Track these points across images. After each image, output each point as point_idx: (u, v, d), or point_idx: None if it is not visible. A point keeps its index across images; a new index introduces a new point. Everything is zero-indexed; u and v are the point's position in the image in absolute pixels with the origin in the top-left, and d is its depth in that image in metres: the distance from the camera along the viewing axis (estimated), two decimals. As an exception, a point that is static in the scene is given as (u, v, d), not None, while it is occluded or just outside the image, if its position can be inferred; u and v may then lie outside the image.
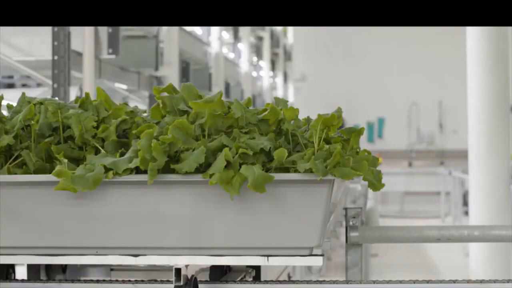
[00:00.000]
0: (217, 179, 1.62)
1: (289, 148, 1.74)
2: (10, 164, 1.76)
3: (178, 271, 1.71)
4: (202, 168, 1.66)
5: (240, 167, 1.64)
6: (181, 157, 1.66)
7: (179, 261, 1.76)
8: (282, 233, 1.71)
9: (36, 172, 1.77)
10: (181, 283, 1.72)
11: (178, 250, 1.75)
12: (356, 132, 1.78)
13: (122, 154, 1.72)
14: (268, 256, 1.74)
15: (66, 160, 1.71)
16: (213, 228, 1.72)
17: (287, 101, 1.86)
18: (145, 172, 1.66)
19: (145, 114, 1.88)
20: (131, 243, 1.75)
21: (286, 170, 1.70)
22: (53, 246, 1.78)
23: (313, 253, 1.73)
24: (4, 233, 1.76)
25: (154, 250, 1.76)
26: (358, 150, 1.82)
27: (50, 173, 1.71)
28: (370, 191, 6.27)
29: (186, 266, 1.75)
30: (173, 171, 1.67)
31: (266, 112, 1.76)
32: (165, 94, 1.80)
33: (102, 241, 1.75)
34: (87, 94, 1.86)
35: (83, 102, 1.84)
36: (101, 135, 1.78)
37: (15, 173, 1.77)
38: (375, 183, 1.77)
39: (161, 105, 1.77)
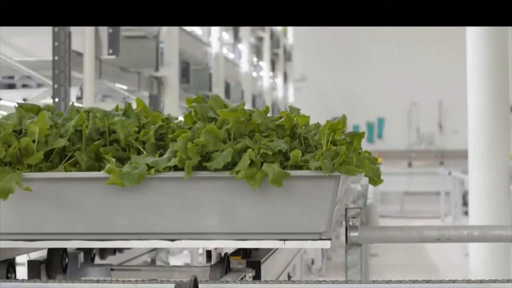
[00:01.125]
0: (242, 175, 1.96)
1: (301, 149, 2.07)
2: (65, 163, 2.09)
3: (209, 252, 2.15)
4: (229, 166, 1.99)
5: (262, 165, 1.97)
6: (211, 156, 2.00)
7: (209, 244, 2.11)
8: (296, 220, 2.03)
9: (87, 170, 2.09)
10: (212, 262, 2.15)
11: (208, 235, 2.06)
12: (358, 135, 2.12)
13: (161, 155, 2.04)
14: (284, 240, 2.05)
15: (114, 160, 2.03)
16: (238, 216, 2.04)
17: (300, 110, 2.20)
18: (181, 169, 1.99)
19: (177, 121, 2.23)
20: (169, 229, 2.06)
21: (300, 167, 2.02)
22: (103, 232, 2.08)
23: (322, 237, 2.05)
24: (61, 221, 2.07)
25: (188, 235, 2.06)
26: (360, 151, 2.15)
27: (98, 171, 2.06)
28: (370, 191, 6.28)
29: (215, 248, 2.16)
30: (204, 169, 2.00)
31: (282, 119, 2.11)
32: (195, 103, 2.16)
33: (144, 228, 2.06)
34: (129, 104, 2.22)
35: (126, 111, 2.21)
36: (142, 139, 2.13)
37: (70, 171, 2.09)
38: (375, 178, 2.10)
39: (192, 113, 2.13)
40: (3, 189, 1.98)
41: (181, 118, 2.24)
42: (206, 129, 2.00)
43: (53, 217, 2.07)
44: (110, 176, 1.99)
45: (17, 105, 2.17)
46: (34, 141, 2.05)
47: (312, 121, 2.24)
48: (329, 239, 2.05)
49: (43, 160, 2.08)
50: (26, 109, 2.17)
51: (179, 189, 2.02)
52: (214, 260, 2.18)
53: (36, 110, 2.18)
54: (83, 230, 2.08)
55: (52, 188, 2.06)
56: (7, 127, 2.04)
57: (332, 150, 2.02)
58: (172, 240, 2.07)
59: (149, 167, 1.99)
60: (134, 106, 2.26)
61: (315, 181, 2.01)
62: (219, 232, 2.05)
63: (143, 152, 2.10)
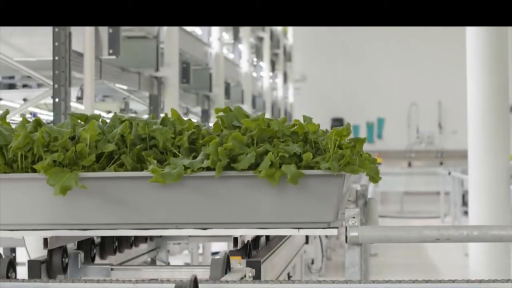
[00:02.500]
0: (263, 174, 2.34)
1: (312, 152, 2.42)
2: (113, 164, 2.45)
3: (235, 239, 2.51)
4: (252, 167, 2.36)
5: (280, 166, 2.34)
6: (237, 159, 2.38)
7: (235, 232, 2.48)
8: (308, 212, 2.40)
9: (132, 170, 2.45)
10: (238, 247, 2.53)
11: (234, 224, 2.43)
12: (360, 140, 2.48)
13: (194, 157, 2.42)
14: (299, 228, 2.44)
15: (155, 161, 2.39)
16: (259, 209, 2.41)
17: (312, 118, 2.52)
18: (213, 169, 2.36)
19: (205, 127, 2.60)
20: (202, 219, 2.43)
21: (311, 168, 2.38)
22: (146, 222, 2.44)
23: (330, 226, 2.43)
24: (110, 213, 2.43)
25: (217, 225, 2.44)
26: (361, 153, 2.52)
27: (141, 171, 2.44)
28: (369, 191, 6.28)
29: (240, 236, 2.51)
30: (232, 169, 2.37)
31: (295, 127, 2.48)
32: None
33: (181, 219, 2.43)
34: (166, 115, 2.58)
35: (164, 120, 2.55)
36: (177, 143, 2.49)
37: (118, 171, 2.45)
38: (374, 176, 2.56)
39: (220, 122, 2.51)
40: (63, 186, 2.34)
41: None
42: (233, 135, 2.38)
43: (104, 210, 2.43)
44: (153, 175, 2.35)
45: (70, 115, 2.56)
46: (86, 146, 2.43)
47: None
48: (336, 227, 2.43)
49: (95, 162, 2.44)
50: (77, 118, 2.53)
51: (211, 186, 2.40)
52: (239, 245, 2.54)
53: (84, 118, 2.54)
54: (128, 220, 2.44)
55: (103, 186, 2.42)
56: (65, 134, 2.40)
57: (338, 153, 2.39)
58: (204, 228, 2.45)
59: (186, 168, 2.37)
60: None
61: (325, 179, 2.38)
62: (244, 222, 2.43)
63: (178, 155, 2.47)
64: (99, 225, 2.47)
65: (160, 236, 3.68)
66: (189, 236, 3.30)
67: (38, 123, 2.48)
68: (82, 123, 2.53)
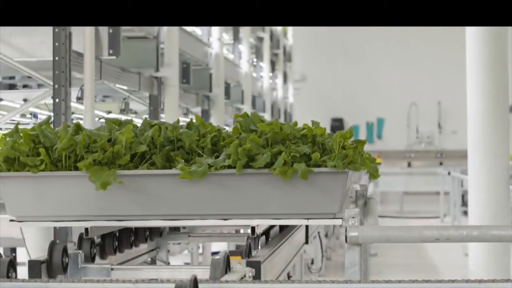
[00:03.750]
0: (278, 171, 2.65)
1: (320, 152, 2.73)
2: (145, 163, 2.77)
3: (253, 228, 2.80)
4: (268, 165, 2.67)
5: (292, 164, 2.66)
6: (255, 158, 2.69)
7: (252, 222, 2.77)
8: (316, 204, 2.71)
9: (162, 168, 2.75)
10: (255, 235, 2.82)
11: (252, 215, 2.74)
12: (361, 142, 2.81)
13: (216, 157, 2.74)
14: (308, 218, 2.75)
15: (182, 161, 2.72)
16: (273, 201, 2.71)
17: (318, 123, 2.84)
18: (233, 167, 2.67)
19: (225, 130, 2.93)
20: (223, 211, 2.73)
21: (319, 166, 2.69)
22: (174, 214, 2.75)
23: (335, 217, 2.72)
24: (143, 206, 2.74)
25: (237, 216, 2.74)
26: (362, 153, 2.82)
27: (169, 169, 2.73)
28: (369, 191, 6.27)
29: (257, 225, 2.79)
30: (250, 167, 2.69)
31: (305, 130, 2.80)
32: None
33: (205, 211, 2.73)
34: (191, 120, 2.90)
35: (189, 124, 2.88)
36: (201, 145, 2.82)
37: (149, 169, 2.75)
38: (374, 173, 2.93)
39: (238, 126, 2.84)
40: (103, 182, 2.65)
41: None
42: (250, 138, 2.72)
43: (137, 203, 2.74)
44: (181, 172, 2.66)
45: (105, 120, 2.89)
46: (122, 147, 2.74)
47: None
48: (341, 218, 2.72)
49: (129, 161, 2.76)
50: (112, 122, 2.87)
51: (231, 182, 2.71)
52: (256, 233, 2.84)
53: (118, 123, 2.89)
54: (159, 212, 2.75)
55: (137, 182, 2.73)
56: (103, 137, 2.73)
57: (342, 153, 2.71)
58: (225, 219, 2.76)
59: (210, 166, 2.69)
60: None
61: (331, 175, 2.69)
62: (260, 213, 2.74)
63: (202, 155, 2.79)
64: (133, 217, 2.77)
65: (160, 236, 3.71)
66: (213, 226, 3.50)
67: (78, 127, 2.81)
68: (117, 127, 2.86)
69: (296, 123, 2.86)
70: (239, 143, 2.72)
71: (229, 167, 2.70)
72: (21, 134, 2.76)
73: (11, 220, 2.85)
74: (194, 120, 2.91)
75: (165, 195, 2.73)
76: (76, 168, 2.73)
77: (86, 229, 2.83)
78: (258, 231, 2.87)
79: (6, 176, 2.76)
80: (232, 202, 2.73)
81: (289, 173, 2.66)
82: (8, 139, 2.77)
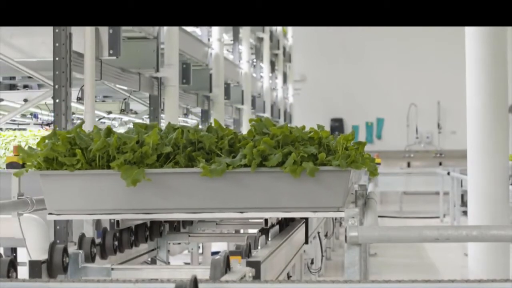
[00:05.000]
0: (288, 169, 3.00)
1: (325, 152, 3.08)
2: (170, 162, 3.09)
3: (266, 220, 3.28)
4: (279, 164, 3.01)
5: (300, 163, 3.00)
6: (268, 158, 3.03)
7: (265, 215, 3.19)
8: (322, 198, 3.06)
9: (185, 167, 3.08)
10: (267, 226, 3.28)
11: (265, 209, 3.09)
12: (362, 144, 3.21)
13: (233, 157, 3.08)
14: (315, 211, 3.10)
15: (203, 160, 3.04)
16: (284, 196, 3.05)
17: (323, 126, 3.22)
18: (248, 166, 3.01)
19: (242, 134, 3.29)
20: (239, 205, 3.07)
21: (325, 164, 3.04)
22: (196, 207, 3.09)
23: (339, 210, 3.07)
24: (168, 201, 3.07)
25: (252, 209, 3.08)
26: (363, 154, 3.23)
27: (191, 167, 3.06)
28: (368, 191, 6.27)
29: (269, 218, 3.22)
30: (263, 166, 3.02)
31: (312, 133, 3.16)
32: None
33: (223, 205, 3.07)
34: (210, 124, 3.26)
35: (209, 128, 3.23)
36: (220, 146, 3.15)
37: (174, 168, 3.07)
38: (373, 171, 3.49)
39: (253, 129, 3.21)
40: (133, 179, 2.99)
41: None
42: (263, 140, 3.07)
43: (163, 198, 3.07)
44: (202, 170, 3.00)
45: (133, 125, 3.25)
46: (149, 148, 3.07)
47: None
48: (343, 211, 2.88)
49: (156, 160, 3.08)
50: (140, 126, 3.22)
51: (247, 179, 3.05)
52: (269, 224, 3.30)
53: (144, 127, 3.23)
54: (182, 206, 3.08)
55: (163, 179, 3.06)
56: (133, 139, 3.07)
57: (345, 153, 3.06)
58: (241, 212, 3.10)
59: (228, 165, 3.02)
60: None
61: (335, 173, 3.04)
62: (272, 206, 3.08)
63: (221, 155, 3.12)
64: (159, 210, 3.10)
65: (160, 236, 3.72)
66: (230, 218, 3.72)
67: (109, 130, 3.15)
68: (144, 130, 3.20)
69: (304, 127, 3.22)
70: (253, 145, 3.06)
71: (245, 166, 3.03)
72: (59, 137, 3.07)
73: (50, 214, 3.13)
74: (213, 124, 3.26)
75: (187, 190, 3.08)
76: (109, 167, 3.05)
77: (117, 221, 3.28)
78: (271, 222, 3.32)
79: (46, 174, 3.08)
80: (247, 197, 3.07)
81: (298, 171, 3.00)
82: (47, 141, 3.09)
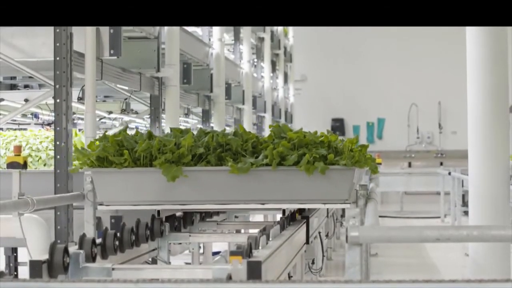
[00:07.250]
0: (303, 168, 3.66)
1: (334, 153, 3.72)
2: (202, 162, 3.73)
3: (284, 210, 3.87)
4: (295, 163, 3.66)
5: (313, 162, 3.66)
6: (285, 158, 3.69)
7: (283, 206, 3.82)
8: (331, 192, 3.71)
9: (215, 166, 3.73)
10: (284, 216, 3.82)
11: (283, 201, 3.75)
12: (365, 146, 3.90)
13: (256, 157, 3.74)
14: (325, 203, 3.77)
15: (231, 160, 3.71)
16: (298, 190, 3.71)
17: (331, 131, 3.92)
18: (269, 165, 3.67)
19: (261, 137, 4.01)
20: (262, 198, 3.74)
21: (333, 164, 3.68)
22: (225, 200, 3.75)
23: (345, 202, 3.72)
24: (201, 194, 3.72)
25: (272, 201, 3.75)
26: (365, 154, 3.91)
27: (221, 166, 3.72)
28: (369, 191, 6.27)
29: (286, 209, 3.85)
30: (282, 165, 3.68)
31: (323, 137, 3.82)
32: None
33: (248, 197, 3.74)
34: (235, 128, 3.90)
35: (235, 132, 3.90)
36: (244, 148, 3.82)
37: (206, 166, 3.72)
38: (374, 169, 4.20)
39: (272, 134, 3.88)
40: (173, 176, 3.64)
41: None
42: (282, 143, 3.73)
43: (197, 191, 3.72)
44: (230, 168, 3.66)
45: (171, 129, 3.93)
46: (185, 149, 3.68)
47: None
48: (349, 203, 3.72)
49: (191, 160, 3.71)
50: (176, 131, 3.89)
51: (268, 176, 3.70)
52: (286, 214, 3.86)
53: (180, 131, 3.92)
54: (213, 198, 3.74)
55: (197, 176, 3.71)
56: (171, 142, 3.71)
57: (350, 155, 3.71)
58: (263, 203, 3.75)
59: (252, 164, 3.67)
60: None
61: (342, 171, 3.69)
62: (289, 199, 3.74)
63: (245, 156, 3.78)
64: (193, 202, 3.75)
65: (161, 236, 3.74)
66: (253, 209, 4.21)
67: (150, 134, 3.83)
68: (180, 134, 3.83)
69: (316, 132, 3.90)
70: (273, 147, 3.70)
71: (266, 165, 3.68)
72: (109, 139, 3.68)
73: (100, 204, 3.78)
74: (238, 129, 3.90)
75: (217, 185, 3.70)
76: (151, 165, 3.69)
77: (158, 211, 3.84)
78: (286, 213, 3.90)
79: (98, 171, 3.71)
80: (268, 191, 3.71)
81: (311, 169, 3.64)
82: (98, 143, 3.70)
